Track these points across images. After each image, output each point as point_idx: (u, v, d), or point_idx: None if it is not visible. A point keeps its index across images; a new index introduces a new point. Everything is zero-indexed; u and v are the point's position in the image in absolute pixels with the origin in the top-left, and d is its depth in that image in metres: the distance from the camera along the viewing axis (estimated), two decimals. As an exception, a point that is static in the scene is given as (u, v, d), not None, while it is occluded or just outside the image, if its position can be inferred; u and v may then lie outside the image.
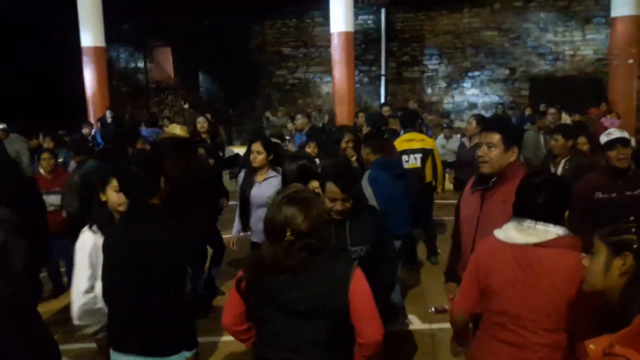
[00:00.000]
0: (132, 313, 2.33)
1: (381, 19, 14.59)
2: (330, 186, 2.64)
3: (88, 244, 2.61)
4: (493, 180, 2.60)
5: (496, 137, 2.57)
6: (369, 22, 14.85)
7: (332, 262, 1.97)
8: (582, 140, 4.97)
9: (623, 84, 10.17)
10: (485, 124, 2.71)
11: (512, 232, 2.08)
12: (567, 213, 2.12)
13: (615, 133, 3.53)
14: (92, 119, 10.51)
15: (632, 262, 1.59)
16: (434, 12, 14.52)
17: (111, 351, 2.43)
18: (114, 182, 2.70)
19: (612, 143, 3.44)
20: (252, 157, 4.20)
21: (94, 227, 2.66)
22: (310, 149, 5.33)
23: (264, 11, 14.88)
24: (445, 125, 10.91)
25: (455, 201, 3.01)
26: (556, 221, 2.03)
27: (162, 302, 2.24)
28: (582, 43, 13.72)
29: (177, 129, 4.70)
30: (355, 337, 2.02)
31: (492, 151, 2.57)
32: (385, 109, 9.64)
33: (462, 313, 2.28)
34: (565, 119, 8.71)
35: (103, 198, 2.79)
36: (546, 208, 2.02)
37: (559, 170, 4.55)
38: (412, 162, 5.65)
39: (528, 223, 2.04)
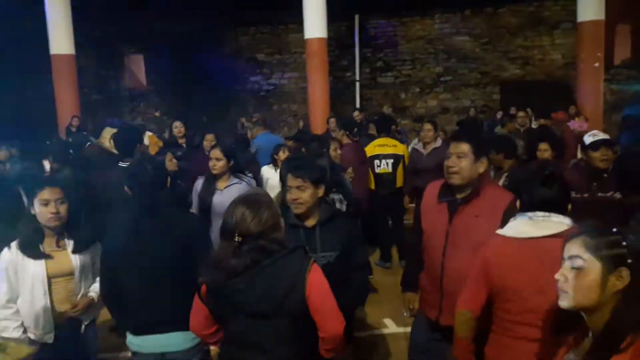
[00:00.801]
0: (166, 293, 2.43)
1: (355, 25, 14.69)
2: (288, 175, 2.64)
3: (4, 259, 2.63)
4: (467, 194, 2.56)
5: (466, 147, 2.54)
6: (343, 28, 14.93)
7: (286, 260, 1.97)
8: (543, 146, 4.77)
9: (590, 87, 10.40)
10: (455, 134, 2.72)
11: (525, 227, 2.05)
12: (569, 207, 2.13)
13: (600, 134, 3.58)
14: (61, 128, 10.31)
15: (629, 278, 1.48)
16: (406, 18, 14.69)
17: (136, 337, 2.50)
18: (42, 195, 2.62)
19: (598, 144, 3.48)
20: (211, 164, 4.02)
21: (14, 244, 2.65)
22: (284, 154, 5.31)
23: (237, 18, 14.85)
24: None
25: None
26: (564, 213, 2.05)
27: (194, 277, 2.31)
28: (551, 47, 14.04)
29: (106, 141, 4.49)
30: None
31: (462, 161, 2.53)
32: (356, 113, 9.71)
33: (469, 312, 2.20)
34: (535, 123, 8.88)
35: (33, 211, 2.66)
36: (558, 199, 2.05)
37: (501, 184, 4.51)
38: (383, 167, 5.69)
39: (542, 215, 2.03)
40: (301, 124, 12.68)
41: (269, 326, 1.95)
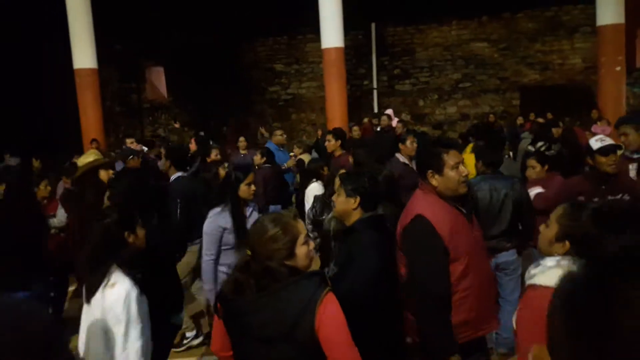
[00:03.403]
0: None
1: (372, 33, 14.74)
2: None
3: (132, 295, 2.26)
4: (470, 196, 2.60)
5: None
6: (360, 37, 14.99)
7: (297, 287, 1.85)
8: (531, 162, 4.42)
9: (612, 90, 10.27)
10: (454, 143, 2.67)
11: None
12: None
13: (607, 139, 3.59)
14: (85, 140, 10.52)
15: None
16: (423, 25, 14.70)
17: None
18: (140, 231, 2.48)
19: (607, 150, 3.48)
20: (251, 189, 3.54)
21: (128, 281, 2.30)
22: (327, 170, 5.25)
23: (255, 29, 15.02)
24: None
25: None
26: None
27: None
28: (570, 52, 13.89)
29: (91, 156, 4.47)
30: None
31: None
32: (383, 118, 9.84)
33: None
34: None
35: (131, 239, 2.41)
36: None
37: None
38: None
39: None
40: (319, 132, 12.72)
41: (275, 353, 1.84)
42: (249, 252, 1.91)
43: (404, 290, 2.48)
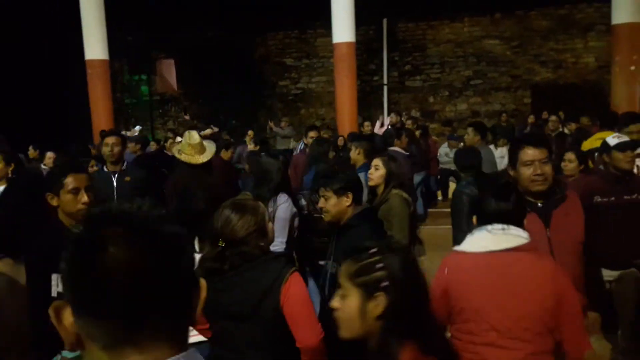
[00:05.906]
0: None
1: (383, 28, 14.66)
2: None
3: None
4: (557, 197, 2.51)
5: (546, 153, 2.48)
6: (371, 32, 14.91)
7: (265, 267, 1.98)
8: (569, 156, 4.35)
9: (625, 90, 10.16)
10: (534, 140, 2.56)
11: (483, 241, 2.00)
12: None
13: (623, 137, 3.55)
14: (95, 132, 10.57)
15: (385, 303, 1.40)
16: (435, 21, 14.61)
17: None
18: None
19: (625, 145, 3.42)
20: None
21: None
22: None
23: (266, 23, 14.99)
24: (454, 137, 10.70)
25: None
26: (521, 225, 2.03)
27: None
28: (584, 51, 13.75)
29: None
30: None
31: (547, 166, 2.47)
32: (392, 116, 9.76)
33: None
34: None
35: None
36: (515, 212, 2.03)
37: None
38: None
39: (500, 228, 1.98)
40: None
41: (244, 329, 1.97)
42: (222, 244, 1.97)
43: None
